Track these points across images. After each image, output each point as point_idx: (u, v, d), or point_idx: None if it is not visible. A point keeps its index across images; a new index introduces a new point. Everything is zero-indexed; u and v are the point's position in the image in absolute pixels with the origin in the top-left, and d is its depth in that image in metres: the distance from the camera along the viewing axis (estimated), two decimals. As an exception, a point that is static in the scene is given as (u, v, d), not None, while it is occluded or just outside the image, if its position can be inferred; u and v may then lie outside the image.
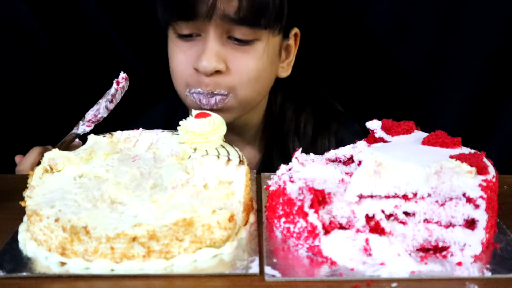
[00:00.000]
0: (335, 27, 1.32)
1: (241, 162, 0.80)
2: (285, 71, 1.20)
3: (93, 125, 1.09)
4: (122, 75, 1.06)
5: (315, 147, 1.24)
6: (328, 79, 1.35)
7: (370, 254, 0.71)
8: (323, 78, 1.35)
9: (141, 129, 0.92)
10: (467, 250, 0.71)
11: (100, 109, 1.07)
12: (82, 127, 1.09)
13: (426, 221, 0.72)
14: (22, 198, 0.76)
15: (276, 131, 1.26)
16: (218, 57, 1.05)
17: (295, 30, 1.17)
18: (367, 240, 0.71)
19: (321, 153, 0.87)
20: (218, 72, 1.06)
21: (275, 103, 1.27)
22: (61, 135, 1.13)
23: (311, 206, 0.71)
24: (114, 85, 1.06)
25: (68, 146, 1.09)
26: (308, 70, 1.30)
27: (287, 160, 0.85)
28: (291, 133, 1.26)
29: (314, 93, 1.31)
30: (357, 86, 1.37)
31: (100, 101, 1.08)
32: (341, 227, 0.72)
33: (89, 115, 1.08)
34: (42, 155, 0.85)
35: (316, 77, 1.34)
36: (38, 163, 0.84)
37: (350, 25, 1.32)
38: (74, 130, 1.10)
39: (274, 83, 1.20)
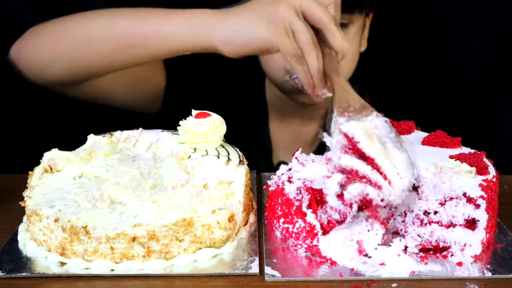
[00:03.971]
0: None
1: (241, 162, 0.80)
2: (362, 45, 1.24)
3: None
4: None
5: None
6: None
7: (366, 255, 0.71)
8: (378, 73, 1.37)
9: (140, 129, 0.92)
10: (468, 250, 0.71)
11: None
12: None
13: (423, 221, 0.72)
14: (22, 198, 0.76)
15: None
16: None
17: None
18: (360, 242, 0.71)
19: None
20: None
21: None
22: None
23: (309, 206, 0.71)
24: None
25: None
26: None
27: None
28: None
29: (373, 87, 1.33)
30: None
31: None
32: (339, 222, 0.72)
33: None
34: None
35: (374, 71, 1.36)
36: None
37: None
38: None
39: None
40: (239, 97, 1.28)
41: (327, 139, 0.74)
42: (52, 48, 1.01)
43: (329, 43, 0.84)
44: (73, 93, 1.08)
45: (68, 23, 1.01)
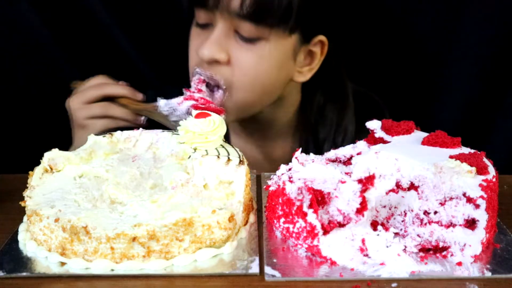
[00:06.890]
0: (368, 35, 1.32)
1: (241, 162, 0.80)
2: (302, 76, 1.14)
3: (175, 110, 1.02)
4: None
5: None
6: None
7: (366, 255, 0.71)
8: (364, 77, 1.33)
9: (141, 129, 0.92)
10: (467, 250, 0.71)
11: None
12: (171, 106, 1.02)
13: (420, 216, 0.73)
14: (22, 198, 0.76)
15: (313, 132, 1.24)
16: (219, 46, 1.04)
17: (320, 37, 1.11)
18: (363, 241, 0.71)
19: None
20: (218, 62, 1.05)
21: (313, 104, 1.23)
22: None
23: (310, 206, 0.71)
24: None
25: (145, 113, 1.09)
26: (350, 70, 1.27)
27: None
28: (330, 137, 1.23)
29: (359, 94, 1.27)
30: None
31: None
32: (340, 225, 0.72)
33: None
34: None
35: (360, 77, 1.31)
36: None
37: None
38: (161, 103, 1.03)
39: (312, 83, 1.17)
40: None
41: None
42: None
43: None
44: None
45: None
